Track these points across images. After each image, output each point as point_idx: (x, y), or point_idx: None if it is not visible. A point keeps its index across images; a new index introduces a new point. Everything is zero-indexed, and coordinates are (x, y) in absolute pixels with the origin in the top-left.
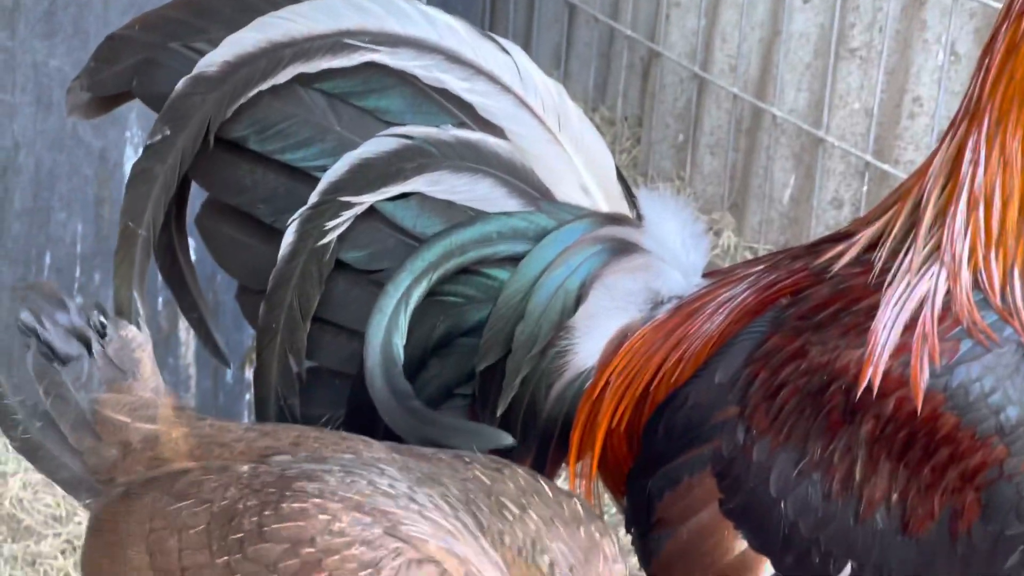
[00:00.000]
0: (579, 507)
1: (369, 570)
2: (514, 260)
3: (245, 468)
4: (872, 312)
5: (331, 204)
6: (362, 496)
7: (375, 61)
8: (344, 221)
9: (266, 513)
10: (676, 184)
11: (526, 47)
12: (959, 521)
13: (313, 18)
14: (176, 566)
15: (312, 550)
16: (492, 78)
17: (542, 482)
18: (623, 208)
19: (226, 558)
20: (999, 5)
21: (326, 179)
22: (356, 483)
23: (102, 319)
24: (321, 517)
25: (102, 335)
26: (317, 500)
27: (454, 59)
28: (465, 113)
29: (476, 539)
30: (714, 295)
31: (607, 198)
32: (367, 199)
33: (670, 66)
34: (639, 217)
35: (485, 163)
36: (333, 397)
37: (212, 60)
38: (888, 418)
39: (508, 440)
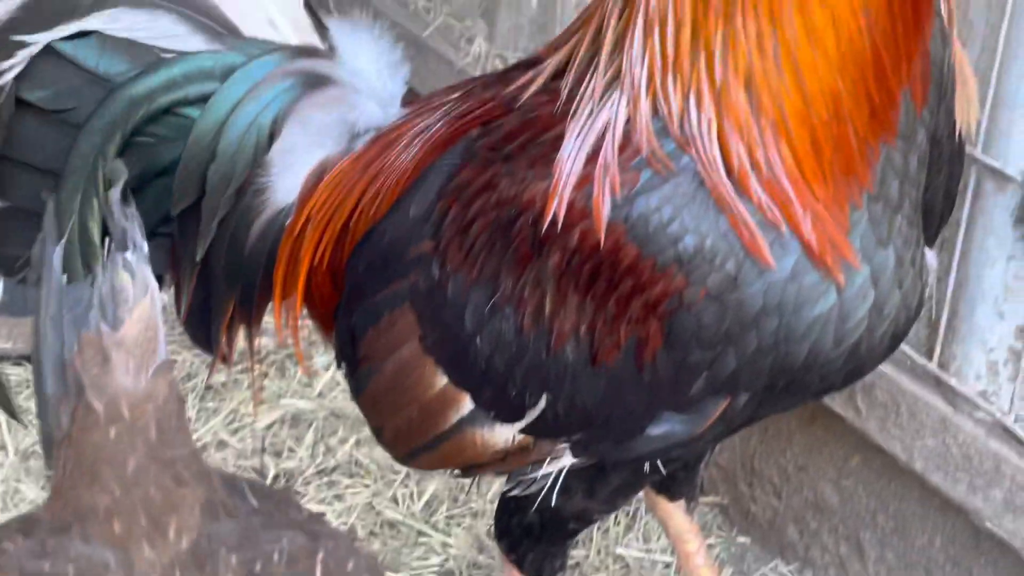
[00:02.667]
0: None
1: None
2: (206, 100)
3: None
4: (558, 142)
5: (5, 43)
6: None
7: None
8: (20, 61)
9: None
10: None
11: None
12: (644, 350)
13: None
14: None
15: None
16: None
17: None
18: (315, 40)
19: None
20: None
21: None
22: None
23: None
24: None
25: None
26: None
27: None
28: None
29: None
30: (410, 126)
31: (296, 30)
32: (42, 38)
33: None
34: (332, 49)
35: None
36: (31, 237)
37: None
38: (573, 250)
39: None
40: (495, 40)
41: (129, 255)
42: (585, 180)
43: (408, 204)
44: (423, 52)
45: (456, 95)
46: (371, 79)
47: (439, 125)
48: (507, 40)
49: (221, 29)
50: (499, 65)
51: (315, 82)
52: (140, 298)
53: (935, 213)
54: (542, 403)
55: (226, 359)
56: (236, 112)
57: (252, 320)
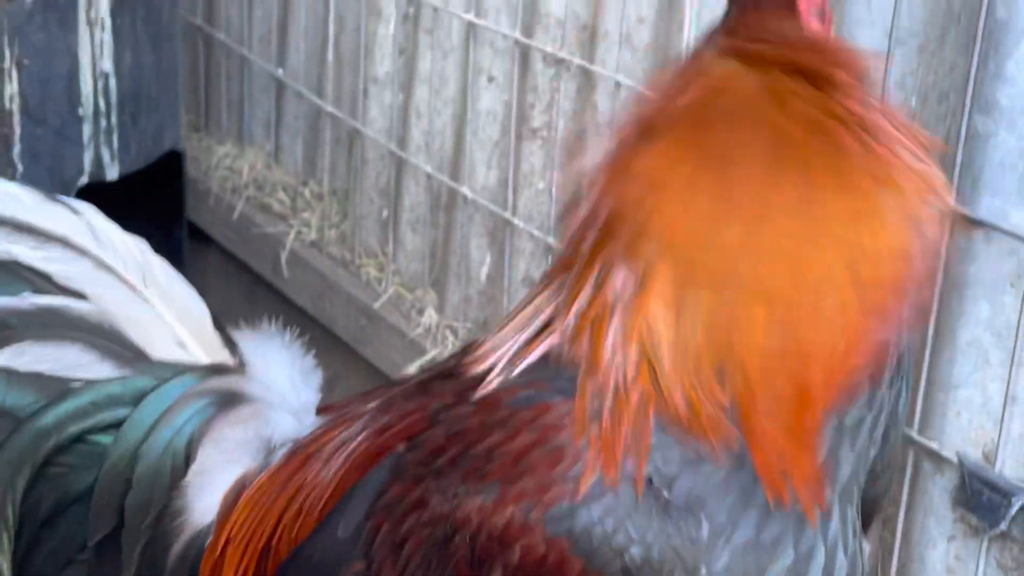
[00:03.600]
0: None
1: None
2: (118, 425)
3: None
4: (490, 455)
5: None
6: None
7: None
8: None
9: None
10: (380, 260)
11: (239, 118)
12: None
13: None
14: None
15: None
16: (66, 243)
17: None
18: (224, 356)
19: None
20: None
21: None
22: None
23: None
24: None
25: None
26: None
27: (21, 228)
28: (44, 281)
29: None
30: (328, 438)
31: (205, 348)
32: None
33: (371, 142)
34: (242, 363)
35: (71, 329)
36: None
37: None
38: (516, 567)
39: None
40: (445, 311)
41: None
42: (522, 495)
43: (335, 523)
44: (375, 322)
45: (374, 404)
46: (284, 391)
47: (360, 438)
48: (457, 311)
49: (129, 354)
50: (449, 336)
51: (228, 400)
52: None
53: (878, 503)
54: None
55: None
56: (150, 438)
57: None
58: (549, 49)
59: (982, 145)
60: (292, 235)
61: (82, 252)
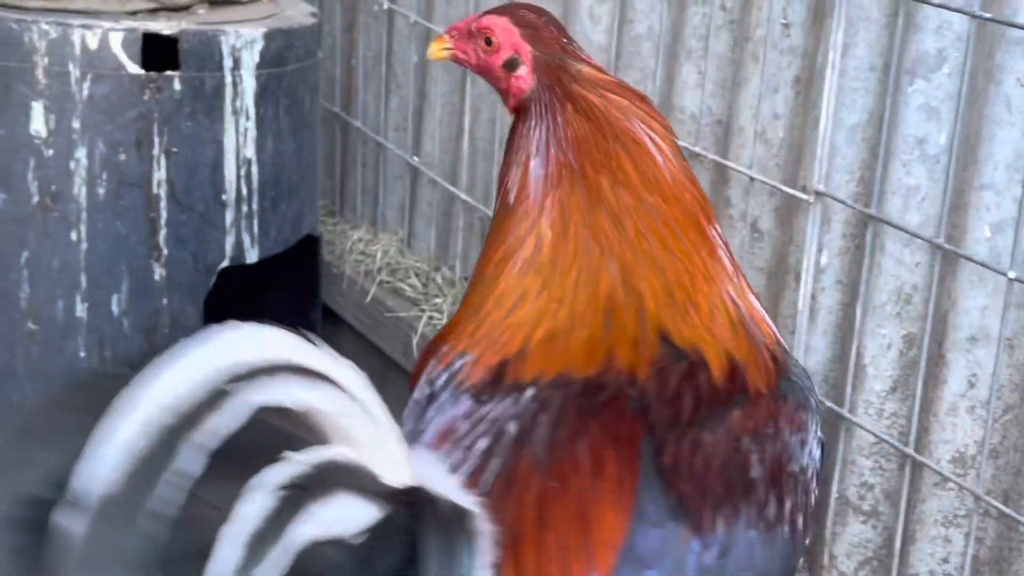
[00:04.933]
0: None
1: None
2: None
3: None
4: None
5: None
6: None
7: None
8: None
9: None
10: None
11: (374, 204)
12: None
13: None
14: None
15: None
16: (335, 383)
17: None
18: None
19: None
20: None
21: None
22: None
23: None
24: None
25: None
26: None
27: (308, 374)
28: (312, 428)
29: None
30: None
31: (403, 467)
32: None
33: None
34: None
35: (343, 478)
36: None
37: None
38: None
39: None
40: None
41: None
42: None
43: (637, 536)
44: None
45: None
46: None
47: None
48: None
49: (379, 490)
50: None
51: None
52: None
53: None
54: None
55: None
56: None
57: None
58: (683, 143)
59: None
60: (424, 320)
61: (345, 391)
